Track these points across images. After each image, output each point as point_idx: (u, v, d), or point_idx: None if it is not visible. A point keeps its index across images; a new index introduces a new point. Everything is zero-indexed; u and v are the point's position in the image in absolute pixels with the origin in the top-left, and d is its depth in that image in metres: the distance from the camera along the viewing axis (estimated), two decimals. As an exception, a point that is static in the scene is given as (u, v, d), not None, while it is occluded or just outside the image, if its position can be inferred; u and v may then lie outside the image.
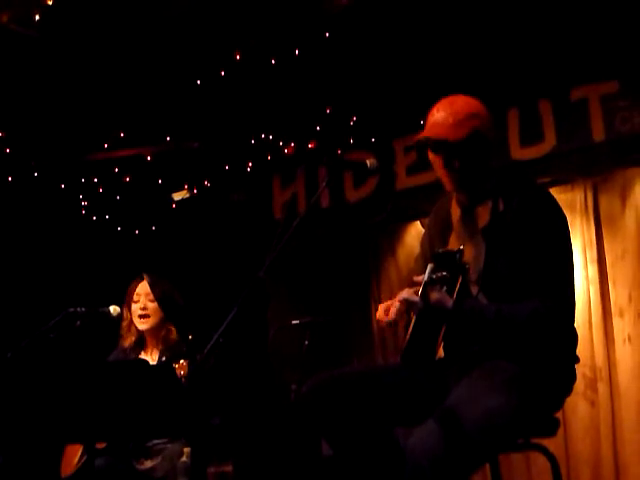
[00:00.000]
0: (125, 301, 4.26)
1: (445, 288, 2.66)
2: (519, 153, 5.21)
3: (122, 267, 5.96)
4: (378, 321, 2.82)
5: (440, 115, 2.83)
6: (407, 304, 2.69)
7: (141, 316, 4.19)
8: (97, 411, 2.86)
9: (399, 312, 2.69)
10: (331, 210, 5.96)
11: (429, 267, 2.68)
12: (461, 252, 2.68)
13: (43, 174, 6.00)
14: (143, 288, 4.23)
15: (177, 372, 3.45)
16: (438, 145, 2.84)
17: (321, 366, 3.77)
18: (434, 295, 2.65)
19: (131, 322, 4.24)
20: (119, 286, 4.56)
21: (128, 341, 4.24)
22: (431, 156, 2.89)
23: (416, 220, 5.89)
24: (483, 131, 2.83)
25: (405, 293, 2.71)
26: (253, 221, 6.36)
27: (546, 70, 5.07)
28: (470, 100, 2.88)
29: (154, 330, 4.21)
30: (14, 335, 3.77)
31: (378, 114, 5.72)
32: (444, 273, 2.65)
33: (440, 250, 2.78)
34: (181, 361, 3.60)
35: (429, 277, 2.66)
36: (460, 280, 2.68)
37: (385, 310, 2.75)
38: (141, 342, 4.25)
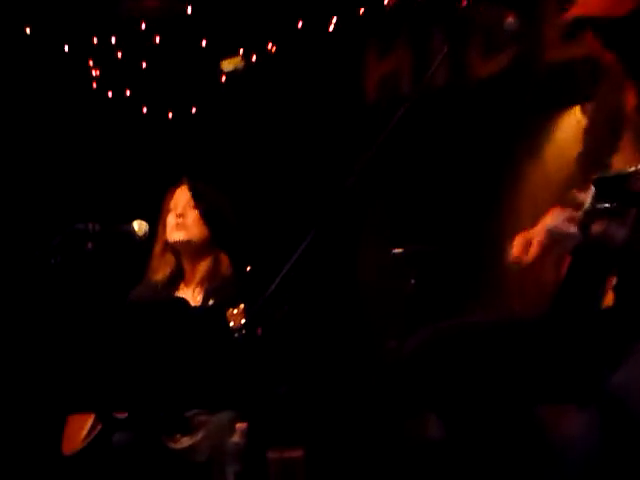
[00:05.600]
0: (160, 216, 4.32)
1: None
2: None
3: (149, 167, 6.05)
4: (512, 262, 2.81)
5: None
6: (557, 236, 2.68)
7: (178, 225, 4.25)
8: (116, 369, 2.93)
9: (545, 248, 2.69)
10: (448, 90, 5.92)
11: (591, 193, 2.66)
12: (636, 175, 2.63)
13: (41, 34, 6.06)
14: (183, 195, 4.30)
15: (234, 321, 3.46)
16: (594, 25, 2.82)
17: (431, 315, 3.80)
18: (598, 227, 2.63)
19: (165, 246, 4.31)
20: (144, 194, 4.62)
21: (161, 273, 4.33)
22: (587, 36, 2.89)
23: (572, 106, 5.82)
24: None
25: (554, 219, 2.70)
26: (337, 105, 6.35)
27: None
28: None
29: (196, 256, 4.28)
30: (5, 259, 3.87)
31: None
32: (613, 204, 2.62)
33: (607, 174, 2.74)
34: (240, 306, 3.59)
35: (591, 205, 2.64)
36: (636, 213, 2.64)
37: (524, 244, 2.74)
38: (179, 276, 4.33)
